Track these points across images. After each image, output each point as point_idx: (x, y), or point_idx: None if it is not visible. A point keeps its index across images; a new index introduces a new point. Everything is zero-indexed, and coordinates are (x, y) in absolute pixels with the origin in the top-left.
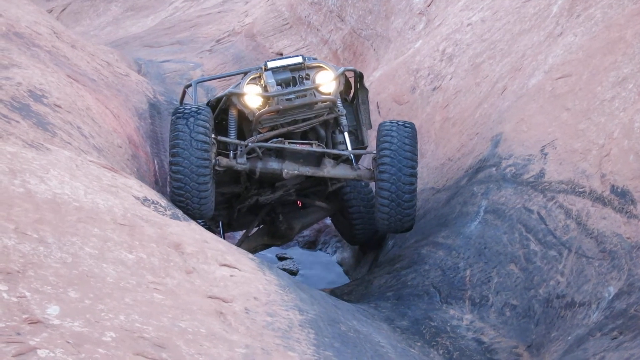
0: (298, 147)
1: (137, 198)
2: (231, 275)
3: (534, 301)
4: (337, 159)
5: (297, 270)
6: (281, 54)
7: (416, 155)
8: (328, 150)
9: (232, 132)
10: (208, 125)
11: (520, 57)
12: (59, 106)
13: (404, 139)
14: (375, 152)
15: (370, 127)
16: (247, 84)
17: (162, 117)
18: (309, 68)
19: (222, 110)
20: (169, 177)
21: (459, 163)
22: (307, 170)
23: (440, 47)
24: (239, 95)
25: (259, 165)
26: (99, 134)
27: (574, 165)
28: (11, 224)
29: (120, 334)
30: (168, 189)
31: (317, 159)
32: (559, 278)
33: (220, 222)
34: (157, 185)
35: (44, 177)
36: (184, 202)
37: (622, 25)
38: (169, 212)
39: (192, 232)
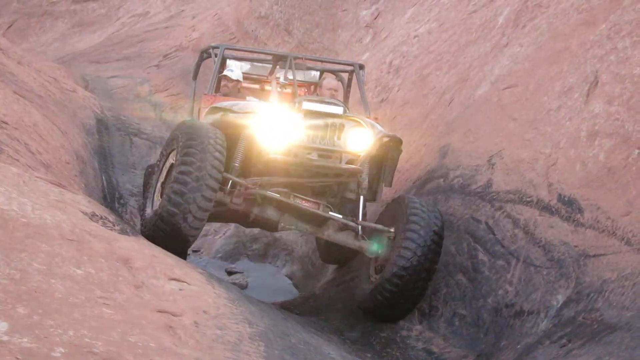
0: (303, 205)
1: (85, 213)
2: (180, 289)
3: (483, 310)
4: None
5: (247, 284)
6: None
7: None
8: (334, 217)
9: (238, 158)
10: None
11: (467, 68)
12: (5, 122)
13: (434, 221)
14: (388, 228)
15: (390, 185)
16: (274, 113)
17: (109, 132)
18: (346, 119)
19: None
20: (170, 183)
21: (407, 174)
22: (306, 229)
23: (387, 59)
24: (259, 125)
25: (255, 211)
26: (46, 150)
27: (521, 175)
28: None
29: (70, 349)
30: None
31: (320, 219)
32: (508, 287)
33: None
34: (106, 200)
35: None
36: (180, 215)
37: (567, 35)
38: (117, 227)
39: (140, 247)
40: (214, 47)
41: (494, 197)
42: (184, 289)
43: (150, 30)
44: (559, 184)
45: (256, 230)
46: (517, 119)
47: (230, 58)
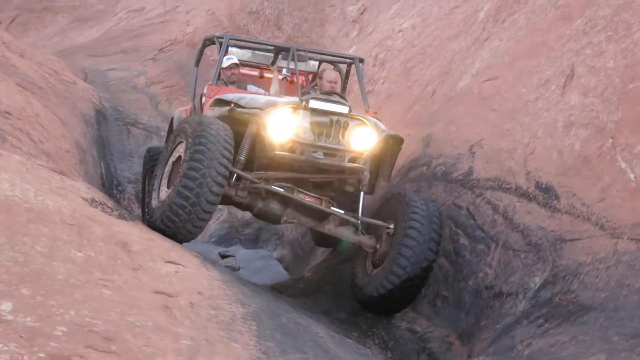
0: (306, 200)
1: (85, 199)
2: (176, 272)
3: (464, 292)
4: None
5: (239, 267)
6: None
7: (441, 237)
8: (336, 212)
9: (244, 151)
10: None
11: (449, 61)
12: (9, 113)
13: (434, 220)
14: (387, 224)
15: (389, 180)
16: (281, 110)
17: (107, 122)
18: (351, 118)
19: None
20: (180, 177)
21: None
22: (308, 222)
23: (372, 53)
24: (266, 121)
25: (260, 204)
26: (47, 140)
27: (501, 163)
28: None
29: (71, 328)
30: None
31: (321, 214)
32: (488, 270)
33: None
34: (104, 187)
35: None
36: (185, 211)
37: (545, 30)
38: (115, 213)
39: (138, 231)
40: (218, 37)
41: (475, 185)
42: (180, 272)
43: (146, 25)
44: (536, 172)
45: (248, 216)
46: (496, 110)
47: (232, 46)
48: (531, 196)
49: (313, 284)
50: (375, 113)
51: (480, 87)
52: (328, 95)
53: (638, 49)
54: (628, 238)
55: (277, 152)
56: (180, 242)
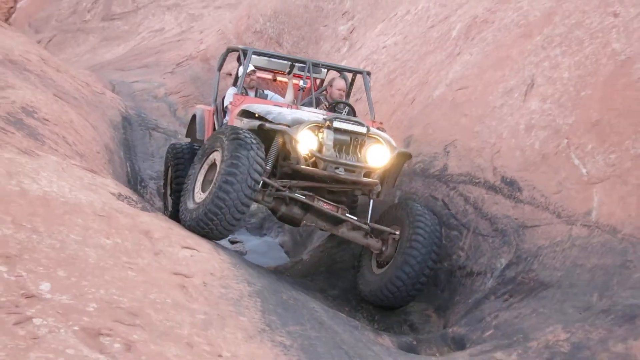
0: (325, 207)
1: (113, 194)
2: (191, 256)
3: (440, 272)
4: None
5: (246, 252)
6: (230, 74)
7: (441, 248)
8: (350, 219)
9: (270, 161)
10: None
11: (426, 73)
12: (47, 120)
13: (436, 233)
14: (392, 228)
15: (393, 187)
16: (307, 128)
17: (132, 127)
18: (369, 137)
19: (266, 133)
20: (218, 182)
21: None
22: (324, 226)
23: (361, 66)
24: (293, 137)
25: (283, 208)
26: (80, 142)
27: (471, 160)
28: (9, 216)
29: (101, 304)
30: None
31: (337, 219)
32: (460, 253)
33: None
34: (130, 183)
35: (36, 178)
36: (220, 214)
37: (509, 45)
38: (139, 205)
39: (159, 221)
40: (243, 50)
41: (449, 179)
42: (195, 256)
43: (165, 43)
44: (502, 168)
45: (254, 207)
46: (467, 114)
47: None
48: (497, 189)
49: (310, 265)
50: (381, 123)
51: (454, 95)
52: (350, 117)
53: (589, 62)
54: (581, 224)
55: (303, 167)
56: (212, 240)
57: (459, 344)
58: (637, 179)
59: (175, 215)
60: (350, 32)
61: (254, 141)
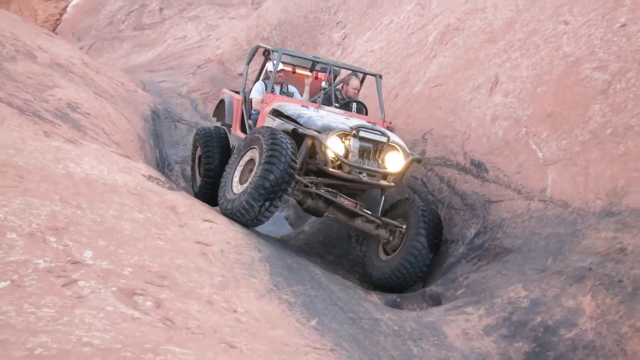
0: (345, 203)
1: (144, 176)
2: (211, 227)
3: None
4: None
5: None
6: (240, 74)
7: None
8: (367, 215)
9: (300, 159)
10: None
11: (407, 72)
12: (88, 114)
13: (438, 228)
14: (398, 221)
15: (400, 181)
16: (336, 135)
17: (160, 120)
18: (388, 145)
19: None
20: (257, 177)
21: None
22: (343, 218)
23: None
24: (323, 143)
25: (309, 202)
26: (117, 133)
27: (445, 146)
28: (57, 195)
29: (135, 269)
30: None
31: (354, 214)
32: None
33: None
34: (158, 167)
35: (79, 163)
36: (263, 199)
37: (477, 49)
38: (166, 185)
39: (183, 198)
40: (273, 51)
41: (427, 162)
42: (214, 227)
43: (188, 49)
44: (471, 152)
45: None
46: (442, 107)
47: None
48: (467, 170)
49: (310, 235)
50: (390, 123)
51: (430, 91)
52: (373, 125)
53: (544, 63)
54: (538, 200)
55: (330, 169)
56: (246, 226)
57: (436, 301)
58: (585, 161)
59: (202, 192)
60: (343, 39)
61: (288, 144)
